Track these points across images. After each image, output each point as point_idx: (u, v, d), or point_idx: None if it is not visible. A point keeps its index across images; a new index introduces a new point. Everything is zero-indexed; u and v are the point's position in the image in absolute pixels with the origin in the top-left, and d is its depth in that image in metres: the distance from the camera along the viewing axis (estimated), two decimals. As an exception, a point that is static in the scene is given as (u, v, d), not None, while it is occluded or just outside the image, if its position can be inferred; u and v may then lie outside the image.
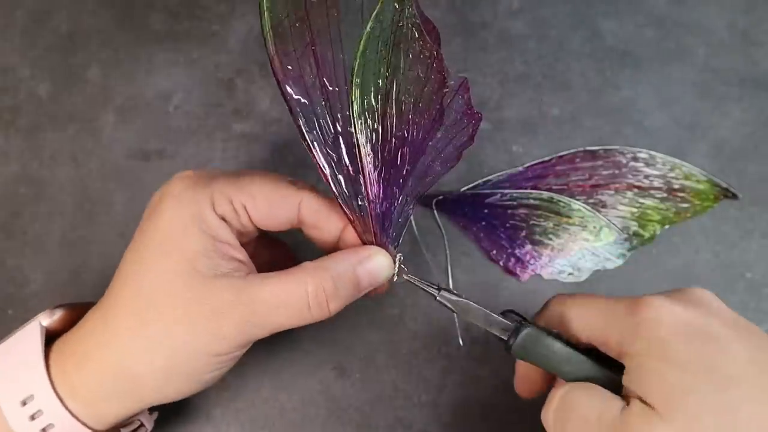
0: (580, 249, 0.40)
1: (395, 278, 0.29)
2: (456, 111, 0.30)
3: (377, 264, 0.28)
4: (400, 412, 0.37)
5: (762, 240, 0.41)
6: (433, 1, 0.47)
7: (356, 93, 0.25)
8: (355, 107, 0.25)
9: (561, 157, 0.43)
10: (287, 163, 0.43)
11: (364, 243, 0.29)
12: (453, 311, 0.29)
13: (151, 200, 0.29)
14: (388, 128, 0.27)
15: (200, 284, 0.26)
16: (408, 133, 0.28)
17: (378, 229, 0.28)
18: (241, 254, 0.28)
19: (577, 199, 0.41)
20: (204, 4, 0.47)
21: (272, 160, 0.43)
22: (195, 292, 0.26)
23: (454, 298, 0.29)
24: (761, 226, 0.41)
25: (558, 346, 0.27)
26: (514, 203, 0.41)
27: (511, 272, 0.40)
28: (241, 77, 0.45)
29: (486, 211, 0.41)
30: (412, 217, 0.41)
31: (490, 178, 0.42)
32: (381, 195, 0.27)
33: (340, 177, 0.27)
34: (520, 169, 0.43)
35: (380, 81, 0.26)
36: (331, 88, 0.26)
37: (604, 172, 0.42)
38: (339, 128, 0.27)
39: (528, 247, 0.40)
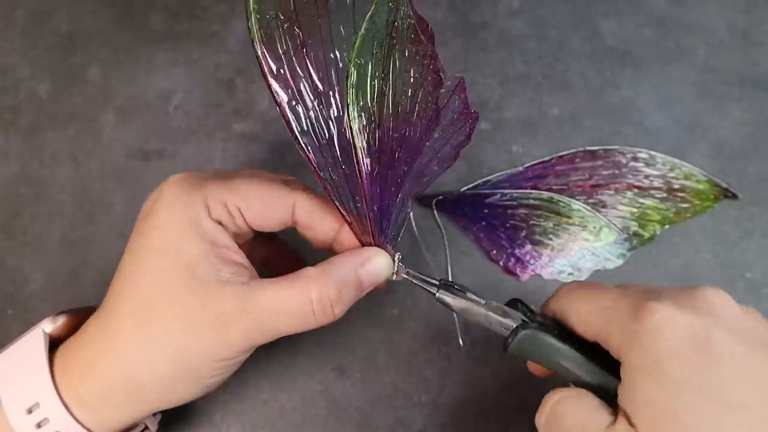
0: (580, 249, 0.40)
1: (394, 277, 0.29)
2: (453, 111, 0.30)
3: (378, 265, 0.28)
4: (400, 412, 0.37)
5: (762, 240, 0.41)
6: (434, 1, 0.47)
7: (352, 95, 0.25)
8: (351, 109, 0.25)
9: (561, 157, 0.43)
10: (287, 164, 0.43)
11: (362, 243, 0.29)
12: (452, 310, 0.29)
13: (144, 205, 0.29)
14: (384, 129, 0.26)
15: (203, 290, 0.26)
16: (404, 134, 0.27)
17: (376, 229, 0.28)
18: (241, 257, 0.28)
19: (577, 199, 0.41)
20: (204, 4, 0.47)
21: (272, 160, 0.43)
22: (198, 298, 0.26)
23: (449, 299, 0.29)
24: (761, 226, 0.41)
25: (558, 346, 0.27)
26: (514, 203, 0.41)
27: (511, 272, 0.40)
28: (241, 77, 0.45)
29: (486, 211, 0.41)
30: (412, 217, 0.41)
31: (490, 178, 0.42)
32: (378, 196, 0.27)
33: (336, 179, 0.27)
34: (520, 169, 0.43)
35: (376, 82, 0.25)
36: (323, 89, 0.26)
37: (604, 172, 0.42)
38: (333, 129, 0.26)
39: (528, 247, 0.40)
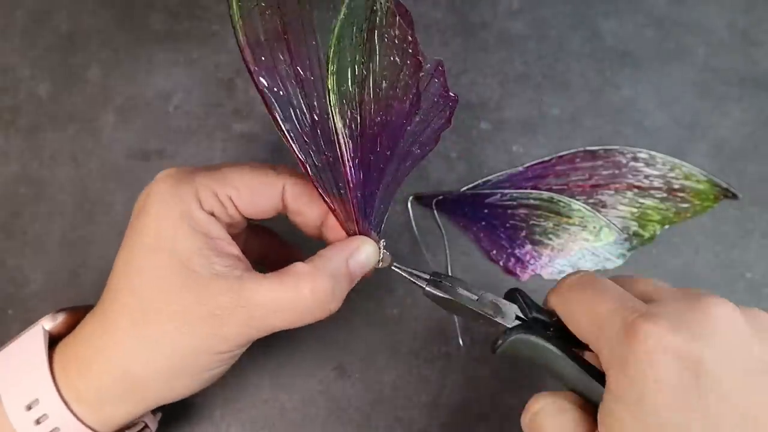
0: (580, 249, 0.40)
1: (380, 264, 0.29)
2: (433, 94, 0.30)
3: (366, 254, 0.29)
4: (400, 412, 0.37)
5: (762, 240, 0.41)
6: (433, 1, 0.47)
7: (332, 81, 0.25)
8: (332, 95, 0.25)
9: (561, 157, 0.43)
10: (287, 164, 0.43)
11: (347, 231, 0.29)
12: (440, 306, 0.29)
13: (136, 202, 0.29)
14: (365, 115, 0.26)
15: (197, 285, 0.26)
16: (386, 119, 0.27)
17: (360, 215, 0.28)
18: (235, 248, 0.28)
19: (577, 199, 0.41)
20: (204, 4, 0.47)
21: (272, 160, 0.43)
22: (193, 293, 0.26)
23: (440, 294, 0.28)
24: (761, 226, 0.41)
25: (549, 352, 0.26)
26: (514, 203, 0.41)
27: (511, 272, 0.40)
28: (241, 77, 0.45)
29: (486, 211, 0.41)
30: (412, 217, 0.41)
31: (490, 178, 0.42)
32: (361, 181, 0.27)
33: (319, 165, 0.27)
34: (520, 169, 0.43)
35: (356, 68, 0.25)
36: (305, 76, 0.26)
37: (604, 172, 0.42)
38: (316, 117, 0.26)
39: (528, 247, 0.40)
